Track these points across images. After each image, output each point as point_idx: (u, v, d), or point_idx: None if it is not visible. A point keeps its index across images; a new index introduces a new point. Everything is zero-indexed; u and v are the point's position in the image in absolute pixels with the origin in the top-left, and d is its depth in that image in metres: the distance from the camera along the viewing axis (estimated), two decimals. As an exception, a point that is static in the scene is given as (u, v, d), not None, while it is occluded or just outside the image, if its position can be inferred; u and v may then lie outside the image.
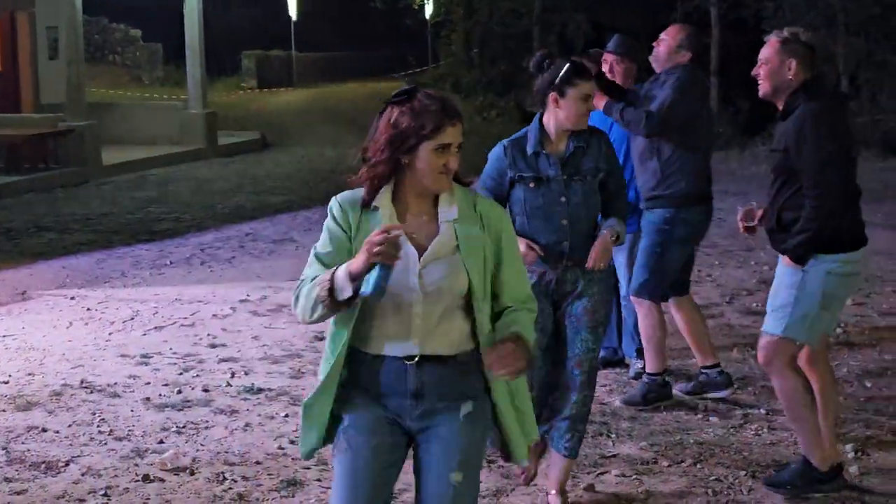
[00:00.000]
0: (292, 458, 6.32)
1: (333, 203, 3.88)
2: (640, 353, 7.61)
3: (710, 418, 7.00)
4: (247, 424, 6.90)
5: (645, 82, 7.40)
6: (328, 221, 3.87)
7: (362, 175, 3.81)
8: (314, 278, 3.73)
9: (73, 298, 10.36)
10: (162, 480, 6.02)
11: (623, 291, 7.69)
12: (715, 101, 26.80)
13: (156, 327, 9.28)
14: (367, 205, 3.80)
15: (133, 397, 7.42)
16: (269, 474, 6.10)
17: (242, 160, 23.23)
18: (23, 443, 6.56)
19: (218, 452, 6.43)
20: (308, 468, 6.17)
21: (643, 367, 7.38)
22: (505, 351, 3.68)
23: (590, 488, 5.88)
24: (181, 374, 7.95)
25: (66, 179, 18.83)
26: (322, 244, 3.86)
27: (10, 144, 19.16)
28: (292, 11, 48.65)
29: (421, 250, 3.75)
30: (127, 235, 13.92)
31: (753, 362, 7.98)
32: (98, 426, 6.84)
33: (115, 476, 6.07)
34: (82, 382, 7.70)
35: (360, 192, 3.84)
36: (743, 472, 6.09)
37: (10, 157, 19.12)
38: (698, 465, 6.23)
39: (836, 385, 6.33)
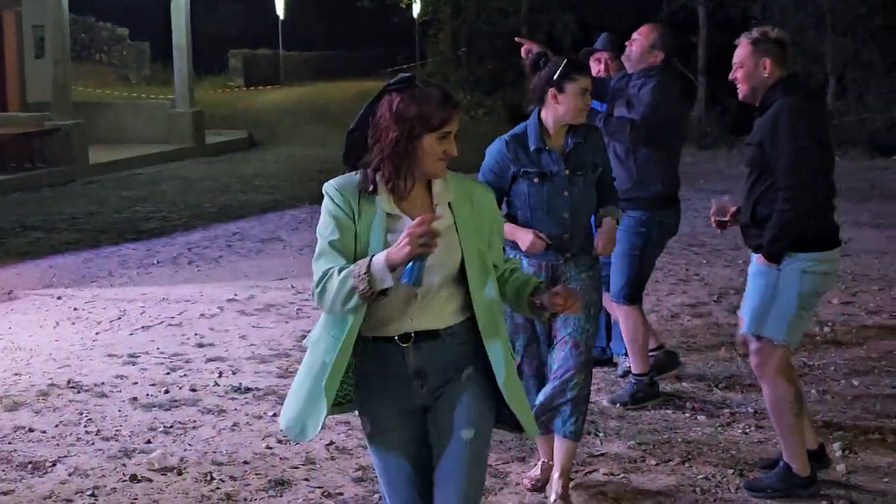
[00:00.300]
0: (280, 458, 6.32)
1: (331, 190, 3.92)
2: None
3: (698, 417, 7.01)
4: (234, 424, 6.89)
5: (614, 76, 7.40)
6: (330, 209, 3.90)
7: (369, 162, 3.86)
8: (341, 269, 3.77)
9: (59, 298, 10.34)
10: (149, 480, 6.01)
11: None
12: (702, 100, 26.88)
13: (143, 327, 9.26)
14: (371, 190, 3.86)
15: (120, 397, 7.40)
16: (256, 474, 6.10)
17: (230, 159, 23.22)
18: (9, 443, 6.54)
19: (205, 452, 6.42)
20: (296, 468, 6.17)
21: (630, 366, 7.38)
22: (564, 290, 3.91)
23: (578, 487, 5.88)
24: (168, 373, 7.94)
25: (52, 179, 18.80)
26: (330, 232, 3.89)
27: (-3, 143, 19.13)
28: (279, 10, 48.61)
29: None
30: (114, 235, 13.89)
31: (741, 361, 8.00)
32: (85, 426, 6.83)
33: (103, 476, 6.06)
34: (69, 382, 7.68)
35: (354, 177, 3.92)
36: (731, 471, 6.10)
37: (-3, 155, 19.09)
38: (686, 464, 6.24)
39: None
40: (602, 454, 6.37)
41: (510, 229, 5.48)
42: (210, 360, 8.27)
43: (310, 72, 51.76)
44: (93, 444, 6.54)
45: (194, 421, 6.95)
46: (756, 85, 5.68)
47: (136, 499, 5.77)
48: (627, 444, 6.50)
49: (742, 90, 5.73)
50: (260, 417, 7.01)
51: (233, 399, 7.37)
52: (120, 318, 9.53)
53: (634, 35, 7.21)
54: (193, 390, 7.54)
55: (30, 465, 6.18)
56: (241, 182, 19.26)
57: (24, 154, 19.47)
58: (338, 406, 4.09)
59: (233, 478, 6.04)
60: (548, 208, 5.55)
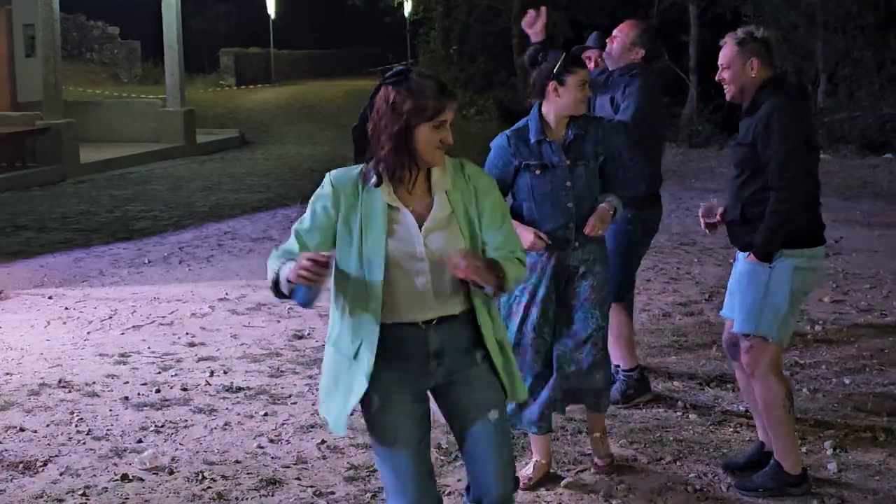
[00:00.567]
0: (272, 457, 6.31)
1: (326, 180, 4.08)
2: None
3: (690, 416, 7.02)
4: (226, 423, 6.88)
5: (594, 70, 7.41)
6: (316, 198, 4.09)
7: (372, 156, 3.99)
8: (285, 253, 4.06)
9: (50, 297, 10.32)
10: (141, 480, 6.00)
11: None
12: (693, 99, 26.90)
13: (134, 326, 9.25)
14: (375, 183, 3.99)
15: (111, 396, 7.39)
16: (248, 473, 6.09)
17: (221, 158, 23.20)
18: (0, 443, 6.53)
19: (197, 451, 6.42)
20: (288, 467, 6.17)
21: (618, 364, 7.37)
22: (471, 255, 3.94)
23: (570, 485, 5.89)
24: (160, 373, 7.93)
25: (43, 178, 18.76)
26: (304, 220, 4.12)
27: (-13, 143, 19.10)
28: (271, 9, 48.58)
29: (419, 220, 4.01)
30: (105, 234, 13.87)
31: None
32: (76, 426, 6.82)
33: (94, 476, 6.05)
34: (60, 382, 7.67)
35: (355, 169, 4.06)
36: (722, 470, 6.10)
37: (-13, 155, 19.05)
38: (678, 463, 6.24)
39: None
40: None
41: (517, 226, 5.50)
42: (201, 359, 8.26)
43: (301, 71, 51.78)
44: (84, 443, 6.53)
45: (185, 420, 6.94)
46: (744, 85, 5.69)
47: (127, 498, 5.77)
48: (619, 443, 6.50)
49: (730, 91, 5.74)
50: (251, 417, 7.00)
51: (224, 398, 7.36)
52: (111, 318, 9.52)
53: (615, 32, 7.19)
54: (185, 390, 7.54)
55: (21, 465, 6.17)
56: (232, 181, 19.25)
57: (15, 153, 19.43)
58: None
59: (224, 477, 6.03)
60: (552, 199, 5.74)
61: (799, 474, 5.81)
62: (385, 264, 3.96)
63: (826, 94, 24.51)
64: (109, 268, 11.76)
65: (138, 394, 7.44)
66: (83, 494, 5.79)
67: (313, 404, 7.21)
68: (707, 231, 6.06)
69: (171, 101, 24.10)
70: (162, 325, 9.30)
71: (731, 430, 6.76)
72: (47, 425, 6.83)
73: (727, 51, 5.71)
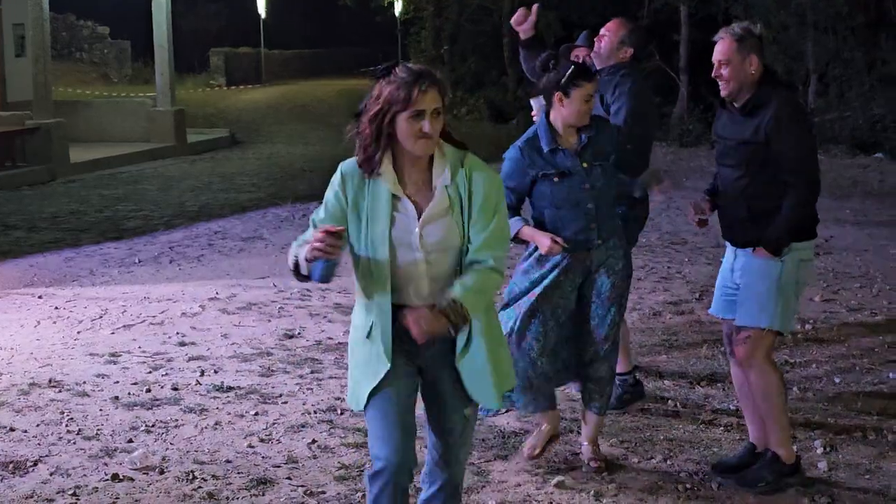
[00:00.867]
0: (262, 457, 6.31)
1: (338, 171, 4.26)
2: None
3: (680, 415, 7.02)
4: (216, 423, 6.88)
5: None
6: (329, 189, 4.27)
7: (357, 145, 4.19)
8: (304, 242, 4.16)
9: (40, 297, 10.30)
10: (131, 480, 5.99)
11: None
12: (684, 98, 26.91)
13: (124, 326, 9.24)
14: (370, 172, 4.17)
15: (102, 396, 7.38)
16: (239, 473, 6.08)
17: (211, 158, 23.18)
18: (-10, 442, 6.53)
19: (187, 451, 6.41)
20: (278, 466, 6.16)
21: None
22: (420, 314, 4.07)
23: (560, 485, 5.89)
24: (150, 372, 7.91)
25: (33, 177, 18.73)
26: (320, 210, 4.29)
27: (-23, 142, 19.05)
28: (261, 9, 48.53)
29: (419, 211, 4.17)
30: (95, 234, 13.85)
31: (723, 359, 8.01)
32: (66, 425, 6.80)
33: (84, 475, 6.04)
34: (50, 381, 7.65)
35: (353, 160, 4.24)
36: (712, 471, 6.10)
37: (-23, 155, 19.01)
38: (668, 462, 6.25)
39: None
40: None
41: (530, 233, 5.91)
42: (192, 358, 8.25)
43: (292, 70, 51.73)
44: (74, 443, 6.52)
45: (176, 420, 6.93)
46: (742, 82, 5.68)
47: (117, 498, 5.76)
48: (609, 442, 6.51)
49: (728, 88, 5.71)
50: (242, 416, 6.99)
51: (215, 398, 7.35)
52: (101, 317, 9.50)
53: (603, 31, 7.15)
54: (175, 389, 7.53)
55: (11, 465, 6.16)
56: (222, 181, 19.23)
57: (5, 153, 19.39)
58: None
59: (215, 477, 6.02)
60: (573, 203, 5.89)
61: (793, 464, 5.88)
62: (389, 249, 4.15)
63: (816, 94, 24.54)
64: (100, 267, 11.74)
65: (129, 393, 7.43)
66: (73, 494, 5.78)
67: (304, 404, 7.21)
68: (698, 227, 6.06)
69: (162, 101, 24.07)
70: (152, 324, 9.29)
71: (722, 429, 6.77)
72: (37, 425, 6.81)
73: (725, 46, 5.68)
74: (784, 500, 5.76)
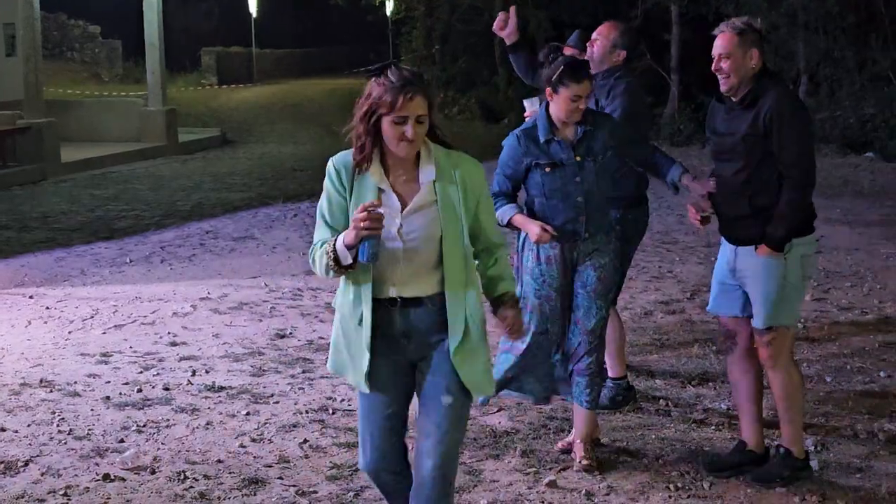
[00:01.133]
0: (254, 457, 6.30)
1: (330, 166, 4.38)
2: None
3: (672, 414, 7.03)
4: (208, 423, 6.87)
5: None
6: (326, 184, 4.38)
7: (351, 140, 4.32)
8: (324, 242, 4.31)
9: (31, 297, 10.28)
10: (122, 480, 5.98)
11: None
12: (675, 97, 26.91)
13: (116, 326, 9.22)
14: (359, 166, 4.31)
15: (93, 396, 7.37)
16: (230, 473, 6.08)
17: (203, 157, 23.15)
18: (-19, 443, 6.51)
19: (179, 451, 6.40)
20: (270, 466, 6.16)
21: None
22: (512, 317, 4.43)
23: (552, 484, 5.89)
24: (141, 372, 7.91)
25: (24, 177, 18.69)
26: (324, 206, 4.39)
27: (-32, 142, 19.00)
28: (253, 8, 48.48)
29: (403, 204, 4.31)
30: (86, 233, 13.82)
31: (714, 358, 8.03)
32: (58, 425, 6.79)
33: (75, 476, 6.03)
34: (41, 381, 7.64)
35: (351, 153, 4.35)
36: (706, 470, 6.10)
37: (-32, 154, 18.95)
38: (660, 461, 6.25)
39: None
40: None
41: (521, 220, 6.00)
42: (183, 358, 8.24)
43: (283, 70, 51.67)
44: (65, 443, 6.51)
45: (167, 420, 6.92)
46: (743, 76, 5.67)
47: (109, 498, 5.75)
48: (601, 442, 6.50)
49: (729, 82, 5.69)
50: (233, 416, 6.99)
51: (206, 398, 7.35)
52: (92, 317, 9.49)
53: (595, 34, 7.13)
54: (166, 389, 7.52)
55: (2, 465, 6.15)
56: (214, 180, 19.20)
57: (-4, 152, 19.36)
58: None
59: (206, 477, 6.02)
60: (563, 195, 6.00)
61: (804, 458, 5.97)
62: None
63: (807, 93, 24.54)
64: (91, 267, 11.72)
65: (120, 393, 7.42)
66: (64, 494, 5.78)
67: (295, 404, 7.21)
68: (700, 226, 6.01)
69: (153, 101, 24.02)
70: (143, 324, 9.28)
71: (713, 428, 6.77)
72: (28, 425, 6.80)
73: (726, 40, 5.67)
74: (775, 498, 5.77)
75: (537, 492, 5.83)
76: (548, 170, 6.00)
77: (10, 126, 19.65)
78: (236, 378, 7.77)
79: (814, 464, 6.13)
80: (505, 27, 7.26)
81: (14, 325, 9.26)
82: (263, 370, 7.95)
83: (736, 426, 6.53)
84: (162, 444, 6.52)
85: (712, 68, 5.75)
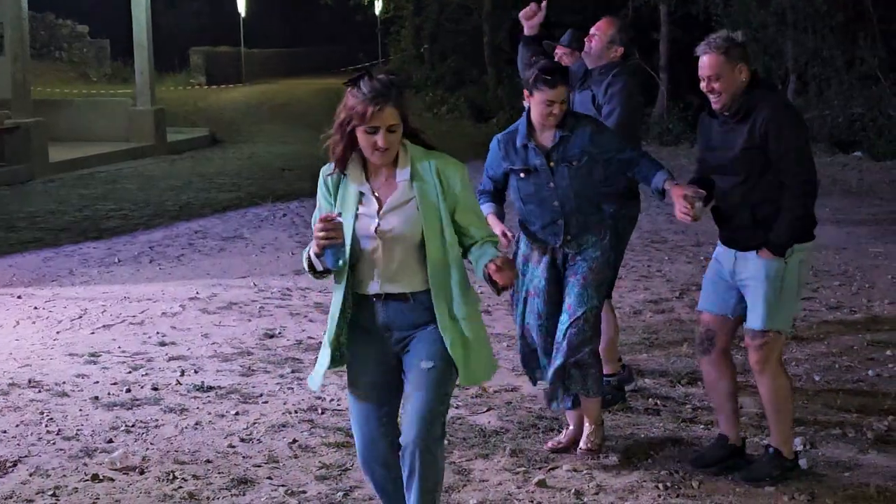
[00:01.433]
0: (243, 457, 6.30)
1: (321, 174, 4.60)
2: None
3: (661, 413, 7.03)
4: (197, 423, 6.86)
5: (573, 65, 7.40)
6: (318, 192, 4.62)
7: (329, 147, 4.51)
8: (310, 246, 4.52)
9: (19, 297, 10.26)
10: (111, 480, 5.97)
11: None
12: (664, 97, 26.93)
13: (104, 326, 9.21)
14: (342, 171, 4.52)
15: (81, 396, 7.35)
16: (219, 473, 6.07)
17: (191, 157, 23.11)
18: (-31, 443, 6.49)
19: (168, 451, 6.39)
20: (259, 466, 6.15)
21: None
22: (502, 262, 4.36)
23: (541, 483, 5.89)
24: (130, 372, 7.89)
25: (11, 177, 18.63)
26: (315, 214, 4.58)
27: (-44, 142, 18.93)
28: (241, 7, 48.41)
29: (381, 205, 4.49)
30: (74, 233, 13.80)
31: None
32: (46, 426, 6.78)
33: (64, 476, 6.02)
34: (30, 382, 7.62)
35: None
36: (692, 466, 6.11)
37: (-44, 154, 18.89)
38: (649, 460, 6.26)
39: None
40: (566, 450, 6.37)
41: (491, 221, 5.99)
42: (172, 358, 8.23)
43: (272, 69, 51.60)
44: (54, 443, 6.50)
45: (156, 420, 6.91)
46: (735, 92, 5.69)
47: (97, 499, 5.74)
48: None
49: (722, 100, 5.69)
50: (223, 416, 6.98)
51: (195, 398, 7.34)
52: (81, 317, 9.47)
53: (593, 30, 7.17)
54: (155, 389, 7.51)
55: (-10, 466, 6.14)
56: (202, 180, 19.17)
57: (-16, 152, 19.30)
58: (339, 361, 4.70)
59: (195, 477, 6.01)
60: (538, 200, 6.05)
61: (793, 458, 6.01)
62: (351, 241, 4.46)
63: (796, 93, 24.57)
64: (79, 267, 11.70)
65: (108, 393, 7.41)
66: (53, 495, 5.76)
67: (284, 403, 7.20)
68: (690, 221, 5.79)
69: (141, 100, 23.96)
70: (132, 324, 9.26)
71: (702, 427, 6.78)
72: (17, 425, 6.79)
73: (713, 61, 5.66)
74: (764, 496, 5.78)
75: (527, 491, 5.83)
76: (522, 175, 6.06)
77: (-2, 125, 19.60)
78: (225, 378, 7.76)
79: (802, 462, 6.14)
80: (532, 17, 7.29)
81: (2, 325, 9.23)
82: (252, 370, 7.94)
83: (725, 425, 6.54)
84: (151, 444, 6.51)
85: (704, 89, 5.74)
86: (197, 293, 10.33)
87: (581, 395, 6.23)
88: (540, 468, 6.13)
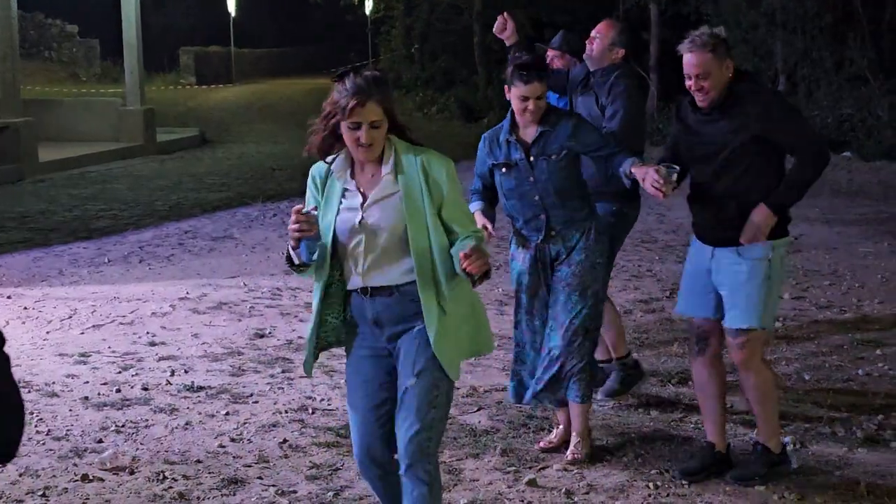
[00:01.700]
0: (233, 457, 6.29)
1: (310, 172, 4.63)
2: None
3: (651, 412, 7.04)
4: (187, 423, 6.85)
5: (573, 68, 7.41)
6: (307, 190, 4.64)
7: (310, 133, 4.56)
8: None
9: (9, 297, 10.24)
10: (101, 480, 5.96)
11: None
12: (654, 97, 26.98)
13: (94, 326, 9.19)
14: (321, 158, 4.57)
15: (71, 396, 7.34)
16: (209, 473, 6.07)
17: (181, 157, 23.09)
18: (-41, 444, 6.46)
19: (158, 451, 6.38)
20: (249, 466, 6.15)
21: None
22: (470, 250, 4.29)
23: (532, 483, 5.89)
24: (120, 372, 7.88)
25: (1, 177, 18.58)
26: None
27: (-55, 142, 18.89)
28: (231, 7, 48.40)
29: (365, 199, 4.49)
30: (64, 233, 13.78)
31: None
32: (36, 426, 6.76)
33: (54, 476, 6.01)
34: (20, 382, 7.56)
35: (328, 158, 4.58)
36: (679, 476, 6.10)
37: (-55, 154, 18.85)
38: (639, 459, 6.26)
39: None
40: (556, 449, 6.37)
41: (477, 217, 5.99)
42: (162, 358, 8.22)
43: (262, 69, 51.64)
44: (44, 443, 6.49)
45: (146, 420, 6.90)
46: (722, 87, 5.70)
47: (87, 499, 5.73)
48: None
49: (710, 97, 5.68)
50: (213, 416, 6.97)
51: (185, 398, 7.33)
52: (71, 317, 9.46)
53: (594, 33, 7.20)
54: (145, 389, 7.50)
55: (-21, 466, 6.12)
56: (192, 180, 19.16)
57: (-27, 152, 19.26)
58: (325, 348, 4.79)
59: (185, 477, 6.00)
60: (519, 194, 6.09)
61: (781, 452, 6.02)
62: (334, 237, 4.51)
63: (785, 93, 24.60)
64: (69, 267, 11.68)
65: (98, 394, 7.40)
66: (43, 495, 5.75)
67: (275, 403, 7.20)
68: (661, 197, 5.78)
69: (131, 100, 23.94)
70: (122, 324, 9.25)
71: (693, 426, 6.79)
72: (6, 426, 6.76)
73: (701, 59, 5.64)
74: (754, 495, 5.79)
75: (517, 490, 5.83)
76: (504, 170, 6.11)
77: (-12, 125, 19.57)
78: (215, 378, 7.76)
79: (792, 461, 6.15)
80: (504, 30, 7.30)
81: (-8, 325, 9.22)
82: (243, 370, 7.93)
83: (715, 424, 6.56)
84: (141, 444, 6.50)
85: (691, 88, 5.70)
86: (187, 293, 10.32)
87: (571, 400, 6.23)
88: (530, 467, 6.13)
